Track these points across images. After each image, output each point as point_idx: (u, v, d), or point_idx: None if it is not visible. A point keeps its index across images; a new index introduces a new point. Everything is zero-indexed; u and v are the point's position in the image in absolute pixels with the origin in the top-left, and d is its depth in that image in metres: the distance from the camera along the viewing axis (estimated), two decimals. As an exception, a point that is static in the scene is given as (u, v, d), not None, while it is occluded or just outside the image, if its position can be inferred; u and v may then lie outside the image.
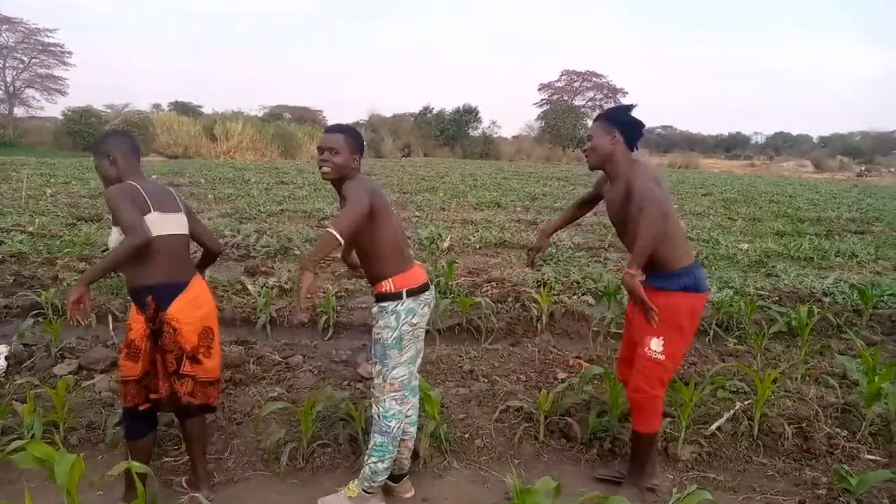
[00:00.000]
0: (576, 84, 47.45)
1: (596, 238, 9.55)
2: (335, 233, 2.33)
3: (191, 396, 2.66)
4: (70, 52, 38.15)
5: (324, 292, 5.52)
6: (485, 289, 6.13)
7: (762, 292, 6.28)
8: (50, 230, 8.57)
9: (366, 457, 2.72)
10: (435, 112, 41.56)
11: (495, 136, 43.13)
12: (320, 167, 2.63)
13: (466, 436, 3.40)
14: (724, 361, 4.54)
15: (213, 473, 3.01)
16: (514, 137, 46.22)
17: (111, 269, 2.56)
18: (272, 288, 5.81)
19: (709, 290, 2.94)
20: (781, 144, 62.82)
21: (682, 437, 3.28)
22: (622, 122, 2.80)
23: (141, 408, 2.63)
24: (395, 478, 2.86)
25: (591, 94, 47.61)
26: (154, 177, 16.87)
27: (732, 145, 64.51)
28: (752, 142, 67.73)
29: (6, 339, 4.43)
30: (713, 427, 3.41)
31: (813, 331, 5.06)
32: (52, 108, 47.14)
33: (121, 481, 2.71)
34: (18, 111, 37.14)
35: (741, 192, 19.50)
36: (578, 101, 46.97)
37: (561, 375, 4.19)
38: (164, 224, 2.60)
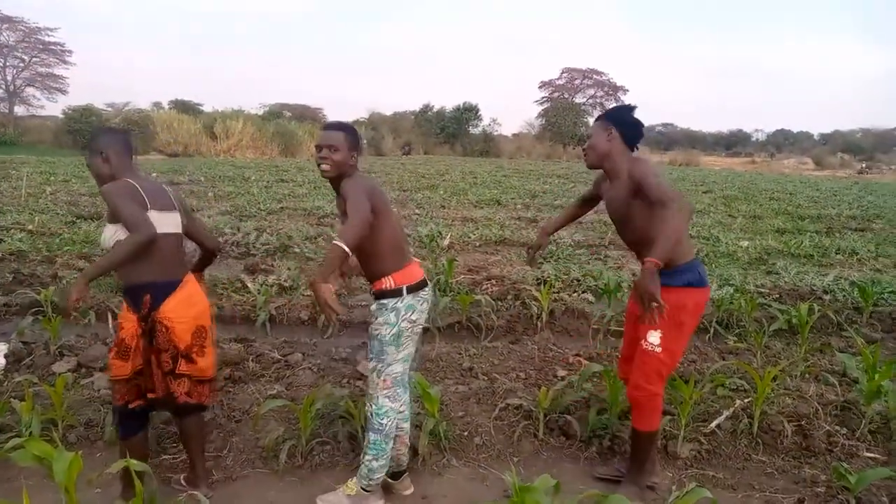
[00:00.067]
0: (576, 82, 47.41)
1: (596, 235, 9.55)
2: (343, 245, 2.31)
3: (188, 396, 2.66)
4: (70, 51, 38.19)
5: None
6: (485, 286, 6.13)
7: (762, 290, 6.27)
8: (49, 228, 8.57)
9: (362, 455, 2.72)
10: (435, 110, 41.54)
11: (496, 133, 43.13)
12: (319, 165, 2.62)
13: (466, 433, 3.39)
14: (724, 359, 4.53)
15: (212, 471, 3.00)
16: (514, 135, 46.21)
17: (114, 266, 2.52)
18: (272, 286, 5.81)
19: (709, 286, 2.91)
20: (782, 142, 62.76)
21: (681, 435, 3.27)
22: (621, 121, 2.79)
23: (131, 406, 2.61)
24: (394, 475, 2.85)
25: (591, 91, 47.56)
26: (154, 175, 16.87)
27: (733, 143, 64.47)
28: (753, 139, 67.68)
29: (5, 336, 4.43)
30: (713, 425, 3.41)
31: (813, 328, 5.06)
32: (53, 107, 47.18)
33: (119, 479, 2.70)
34: (19, 110, 37.20)
35: (742, 189, 19.48)
36: (579, 99, 46.91)
37: (560, 373, 4.19)
38: (161, 223, 2.58)
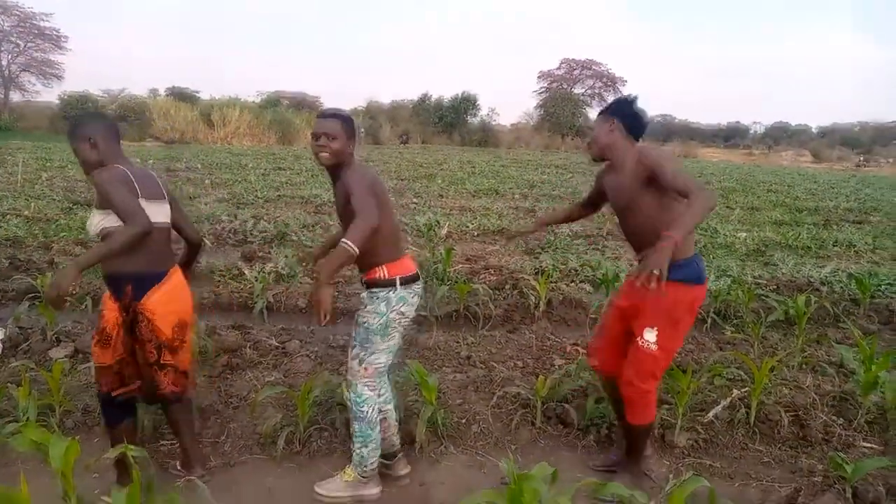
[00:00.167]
0: (575, 72, 47.20)
1: (594, 226, 9.54)
2: (353, 249, 2.29)
3: (173, 386, 2.65)
4: (66, 37, 37.82)
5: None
6: (482, 276, 6.13)
7: (760, 281, 6.28)
8: (46, 214, 8.54)
9: (352, 444, 2.72)
10: (433, 100, 41.38)
11: (494, 124, 42.99)
12: (317, 153, 2.58)
13: (463, 421, 3.40)
14: (721, 350, 4.54)
15: (210, 457, 3.00)
16: (512, 126, 46.06)
17: (109, 256, 2.45)
18: (269, 273, 5.80)
19: (707, 280, 2.89)
20: (780, 135, 62.71)
21: (678, 425, 3.28)
22: (622, 112, 2.76)
23: (114, 394, 2.59)
24: (387, 456, 2.86)
25: (590, 82, 47.37)
26: (151, 161, 16.81)
27: (731, 135, 64.41)
28: (751, 132, 67.61)
29: (2, 322, 4.41)
30: (710, 414, 3.41)
31: (810, 320, 5.07)
32: (49, 93, 46.89)
33: (114, 465, 2.69)
34: (14, 96, 36.87)
35: (739, 181, 19.48)
36: (578, 90, 46.74)
37: (558, 362, 4.19)
38: (151, 213, 2.51)
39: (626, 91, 45.45)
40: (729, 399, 3.52)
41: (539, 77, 47.23)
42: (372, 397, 2.67)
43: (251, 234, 7.88)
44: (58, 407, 3.19)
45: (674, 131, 59.29)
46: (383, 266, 2.60)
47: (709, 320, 5.14)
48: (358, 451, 2.69)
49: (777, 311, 5.09)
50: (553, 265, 6.49)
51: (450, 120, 39.96)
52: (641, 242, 2.71)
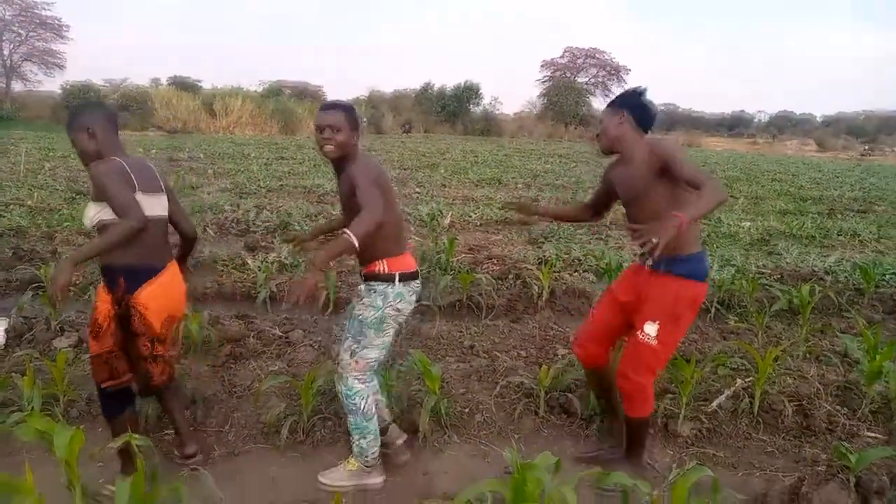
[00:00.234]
0: (579, 61, 46.96)
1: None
2: (354, 240, 2.25)
3: (164, 375, 2.65)
4: (68, 27, 37.72)
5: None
6: (485, 265, 6.12)
7: (764, 270, 6.26)
8: (49, 204, 8.54)
9: (350, 437, 2.73)
10: (436, 89, 41.22)
11: (497, 113, 42.85)
12: (321, 146, 2.56)
13: (467, 411, 3.40)
14: (725, 339, 4.54)
15: (213, 446, 3.01)
16: (515, 115, 45.90)
17: (103, 252, 2.43)
18: (272, 263, 5.79)
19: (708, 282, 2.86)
20: (785, 124, 62.41)
21: (682, 414, 3.28)
22: (631, 104, 2.73)
23: (104, 385, 2.58)
24: (382, 431, 2.86)
25: (593, 71, 47.13)
26: (153, 151, 16.80)
27: (735, 124, 64.13)
28: (756, 121, 67.31)
29: (6, 312, 4.42)
30: (714, 404, 3.41)
31: (814, 309, 5.05)
32: (51, 83, 46.80)
33: (117, 455, 2.70)
34: (16, 85, 36.83)
35: (744, 170, 19.41)
36: (581, 79, 46.52)
37: (561, 352, 4.19)
38: (148, 205, 2.51)
39: (629, 80, 45.32)
40: (732, 389, 3.52)
41: (542, 66, 47.05)
42: (363, 390, 2.66)
43: (254, 223, 7.87)
44: (62, 396, 3.20)
45: (677, 120, 59.01)
46: (384, 260, 2.58)
47: (712, 310, 5.13)
48: (357, 442, 2.69)
49: (781, 301, 5.08)
50: (556, 255, 6.48)
51: (452, 109, 39.84)
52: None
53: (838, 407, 3.49)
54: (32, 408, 2.98)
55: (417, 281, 2.70)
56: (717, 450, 3.15)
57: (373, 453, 2.72)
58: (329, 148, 2.53)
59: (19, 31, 36.62)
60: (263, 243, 6.87)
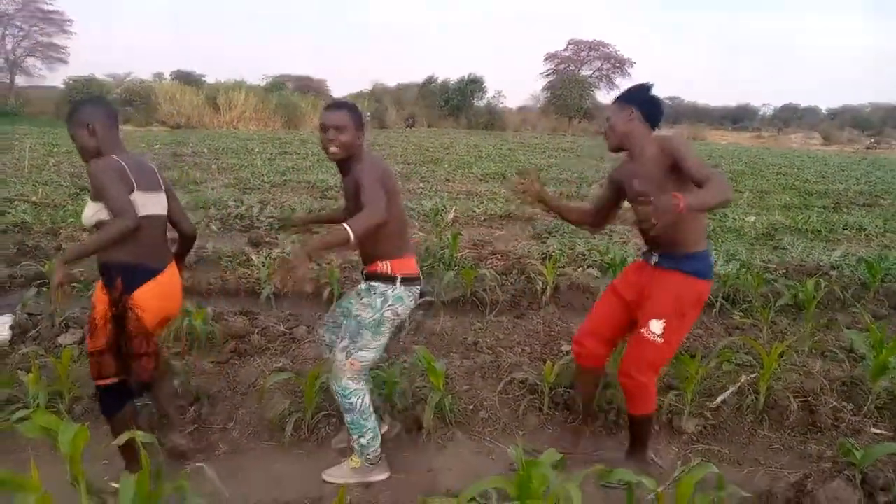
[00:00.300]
0: (582, 54, 46.78)
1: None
2: (351, 234, 2.23)
3: (152, 371, 2.65)
4: (71, 20, 37.75)
5: (327, 263, 5.49)
6: (489, 261, 6.11)
7: (769, 265, 6.24)
8: (53, 200, 8.55)
9: (349, 435, 2.73)
10: (439, 82, 41.14)
11: (500, 106, 42.75)
12: (326, 147, 2.55)
13: (471, 407, 3.40)
14: (730, 335, 4.52)
15: (218, 443, 3.02)
16: (519, 109, 45.81)
17: (97, 251, 2.41)
18: (276, 259, 5.79)
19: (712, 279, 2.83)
20: (790, 116, 62.11)
21: (687, 410, 3.27)
22: (639, 100, 2.68)
23: (96, 382, 2.57)
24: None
25: (598, 63, 46.95)
26: (157, 146, 16.81)
27: (740, 117, 63.86)
28: (761, 114, 67.01)
29: (10, 308, 4.43)
30: (718, 400, 3.40)
31: (820, 304, 5.03)
32: (54, 77, 46.84)
33: (120, 453, 2.69)
34: (20, 80, 36.90)
35: (748, 164, 19.33)
36: (585, 72, 46.35)
37: (565, 348, 4.18)
38: (145, 204, 2.49)
39: (634, 72, 45.10)
40: (737, 384, 3.51)
41: (546, 59, 46.88)
42: (358, 389, 2.65)
43: (258, 219, 7.87)
44: (67, 393, 3.21)
45: (682, 113, 58.77)
46: (387, 261, 2.57)
47: (717, 305, 5.12)
48: (357, 441, 2.69)
49: (786, 296, 5.06)
50: (560, 250, 6.46)
51: (456, 103, 39.76)
52: (657, 237, 2.65)
53: (844, 403, 3.47)
54: (38, 405, 3.00)
55: (418, 286, 2.68)
56: (721, 446, 3.14)
57: (374, 450, 2.72)
58: (334, 149, 2.52)
59: (22, 25, 36.66)
60: (267, 239, 6.87)
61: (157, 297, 2.56)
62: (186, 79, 37.80)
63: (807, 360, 3.99)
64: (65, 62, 37.91)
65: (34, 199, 8.47)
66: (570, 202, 3.10)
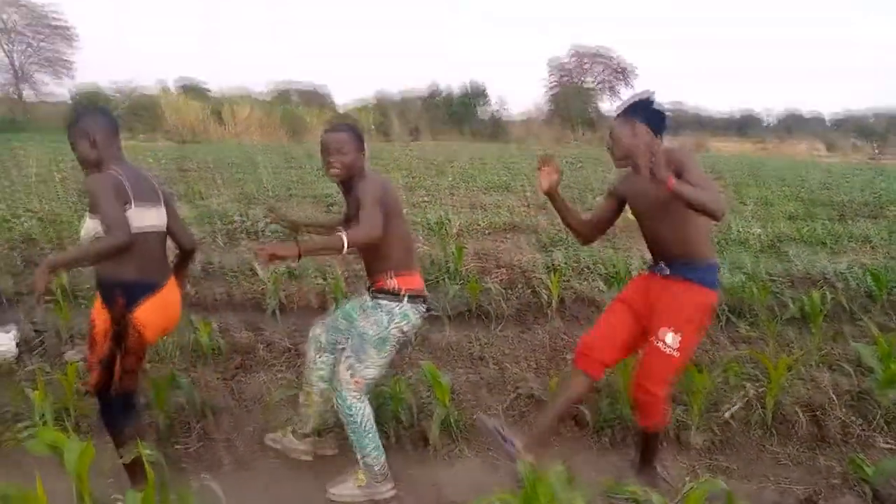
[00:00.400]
0: (585, 62, 46.90)
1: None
2: (345, 243, 2.26)
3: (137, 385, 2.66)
4: (77, 34, 38.12)
5: (332, 277, 5.49)
6: (494, 274, 6.10)
7: (775, 277, 6.21)
8: (59, 214, 8.59)
9: (353, 452, 2.72)
10: (443, 95, 41.36)
11: (504, 119, 42.91)
12: (328, 169, 2.57)
13: (477, 422, 3.38)
14: (736, 347, 4.50)
15: (223, 458, 3.01)
16: (522, 121, 45.91)
17: (84, 262, 2.42)
18: (282, 273, 5.80)
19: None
20: (793, 123, 62.02)
21: (694, 424, 3.25)
22: (642, 111, 2.69)
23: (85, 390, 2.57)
24: (318, 432, 2.89)
25: (600, 69, 47.03)
26: (163, 161, 16.88)
27: (743, 124, 63.81)
28: (764, 124, 66.98)
29: (17, 324, 4.44)
30: (726, 414, 3.38)
31: (826, 316, 5.01)
32: (60, 90, 47.16)
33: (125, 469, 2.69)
34: (27, 93, 37.22)
35: (752, 174, 19.30)
36: (588, 81, 46.48)
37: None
38: (143, 218, 2.48)
39: (637, 82, 45.20)
40: (745, 398, 3.49)
41: (549, 67, 47.03)
42: (361, 406, 2.65)
43: (263, 233, 7.89)
44: (73, 409, 3.21)
45: (685, 123, 58.76)
46: (394, 277, 2.58)
47: (723, 317, 5.09)
48: (360, 458, 2.69)
49: (792, 308, 5.04)
50: (565, 262, 6.45)
51: (460, 115, 39.93)
52: (666, 248, 2.64)
53: (853, 416, 3.45)
54: (44, 421, 3.00)
55: (425, 304, 2.68)
56: (729, 461, 3.12)
57: (378, 467, 2.71)
58: (335, 171, 2.54)
59: (30, 39, 37.03)
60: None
61: (157, 311, 2.55)
62: (191, 89, 38.00)
63: (814, 373, 3.96)
64: (71, 77, 38.27)
65: (40, 213, 8.51)
66: (573, 209, 3.06)
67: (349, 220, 2.64)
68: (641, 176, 2.68)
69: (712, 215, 2.40)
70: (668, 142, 2.75)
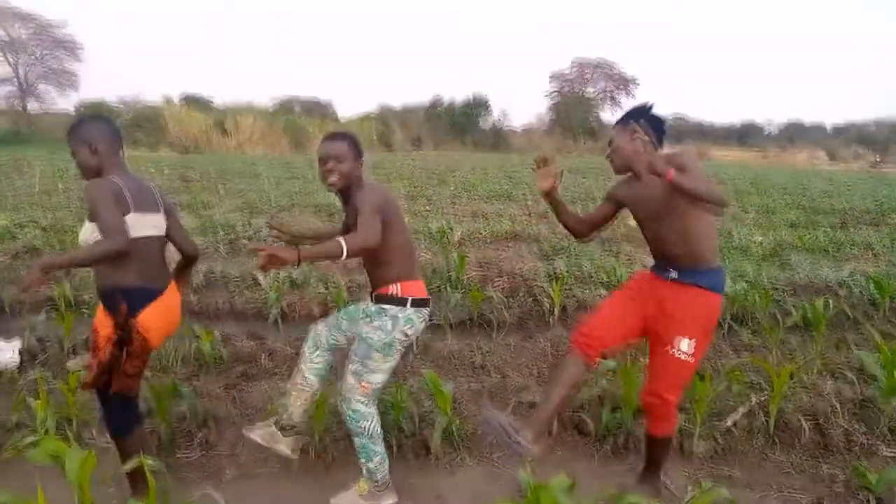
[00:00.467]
0: (587, 74, 47.09)
1: (608, 230, 9.49)
2: (344, 250, 2.27)
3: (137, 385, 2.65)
4: (82, 46, 38.37)
5: (334, 285, 5.50)
6: (496, 282, 6.10)
7: (777, 284, 6.21)
8: (63, 225, 8.62)
9: (358, 458, 2.72)
10: (445, 105, 41.51)
11: (505, 129, 43.04)
12: (325, 178, 2.58)
13: (479, 431, 3.37)
14: (738, 355, 4.49)
15: (226, 468, 3.01)
16: (524, 130, 46.05)
17: (79, 265, 2.44)
18: (283, 282, 5.81)
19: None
20: (795, 132, 62.07)
21: (697, 432, 3.24)
22: (640, 119, 2.70)
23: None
24: (283, 427, 2.83)
25: (602, 83, 47.21)
26: (165, 171, 16.94)
27: (745, 134, 63.87)
28: (766, 133, 67.04)
29: (20, 333, 4.45)
30: (729, 422, 3.37)
31: (829, 323, 5.00)
32: (65, 103, 47.47)
33: (126, 477, 2.69)
34: (32, 106, 37.44)
35: (754, 183, 19.30)
36: (590, 92, 46.64)
37: (574, 370, 4.15)
38: (142, 226, 2.50)
39: (639, 92, 45.35)
40: (748, 406, 3.48)
41: (550, 79, 47.22)
42: (369, 412, 2.65)
43: (265, 242, 7.90)
44: (75, 418, 3.21)
45: (687, 132, 58.85)
46: (397, 283, 2.59)
47: (726, 325, 5.09)
48: (365, 465, 2.68)
49: (795, 315, 5.03)
50: (567, 270, 6.45)
51: (462, 125, 40.06)
52: (671, 252, 2.62)
53: (856, 424, 3.43)
54: (46, 430, 3.00)
55: (428, 308, 2.69)
56: (732, 469, 3.11)
57: (382, 475, 2.70)
58: (332, 179, 2.55)
59: (34, 51, 37.28)
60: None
61: (160, 315, 2.57)
62: (195, 102, 38.21)
63: (817, 381, 3.95)
64: (76, 88, 38.51)
65: (44, 223, 8.55)
66: (570, 209, 3.05)
67: (348, 230, 2.65)
68: (643, 181, 2.68)
69: (715, 204, 2.39)
70: (669, 149, 2.76)
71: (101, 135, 2.53)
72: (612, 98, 46.39)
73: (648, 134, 2.68)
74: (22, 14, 35.71)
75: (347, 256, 2.29)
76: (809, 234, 9.64)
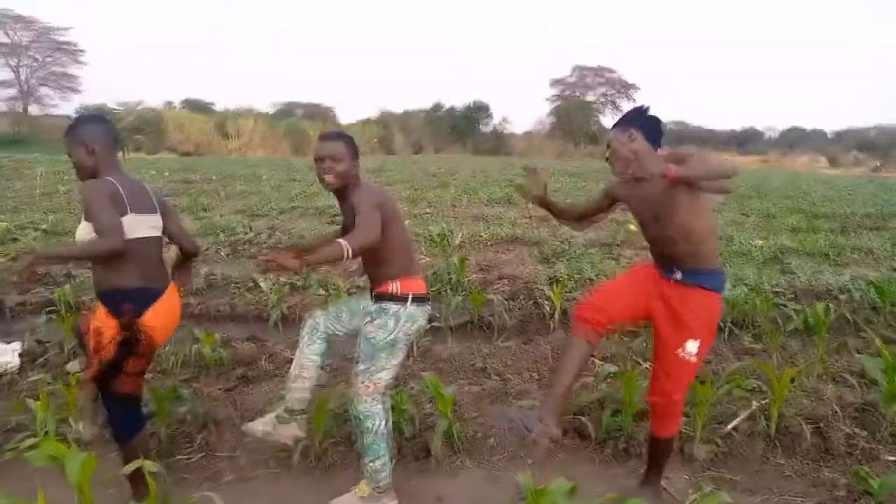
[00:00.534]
0: (587, 79, 47.19)
1: (608, 234, 9.49)
2: (346, 250, 2.27)
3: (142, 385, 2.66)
4: (83, 51, 38.50)
5: (334, 288, 5.50)
6: (496, 285, 6.10)
7: (778, 289, 6.20)
8: (63, 227, 8.63)
9: (362, 458, 2.71)
10: (446, 109, 41.57)
11: (506, 132, 43.11)
12: (321, 177, 2.58)
13: (479, 434, 3.37)
14: (739, 359, 4.48)
15: (225, 471, 3.01)
16: (525, 133, 46.13)
17: (74, 260, 2.47)
18: (284, 285, 5.81)
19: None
20: (795, 139, 62.11)
21: (698, 437, 3.23)
22: (638, 120, 2.69)
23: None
24: (283, 416, 2.80)
25: (603, 89, 47.32)
26: (167, 174, 16.97)
27: (746, 140, 63.92)
28: (766, 137, 67.08)
29: (20, 335, 4.45)
30: (730, 426, 3.36)
31: (830, 328, 4.99)
32: (66, 106, 47.54)
33: (127, 479, 2.68)
34: (33, 109, 37.52)
35: (754, 187, 19.31)
36: (590, 97, 46.74)
37: (574, 373, 4.15)
38: (139, 226, 2.50)
39: (639, 97, 45.44)
40: (749, 410, 3.47)
41: (551, 84, 47.33)
42: (377, 412, 2.65)
43: (266, 245, 7.91)
44: (75, 420, 3.20)
45: (687, 138, 58.84)
46: (396, 281, 2.59)
47: (727, 330, 5.08)
48: (369, 464, 2.67)
49: (796, 320, 5.03)
50: (568, 274, 6.45)
51: (462, 129, 40.12)
52: (674, 251, 2.60)
53: (857, 429, 3.42)
54: (46, 432, 2.99)
55: (429, 304, 2.70)
56: (733, 473, 3.10)
57: (384, 476, 2.69)
58: (329, 178, 2.55)
59: (36, 55, 37.39)
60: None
61: (164, 314, 2.57)
62: (196, 106, 38.29)
63: (818, 386, 3.95)
64: (77, 91, 38.61)
65: (44, 226, 8.56)
66: (565, 204, 3.06)
67: (346, 231, 2.65)
68: (643, 182, 2.68)
69: (722, 178, 2.36)
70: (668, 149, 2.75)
71: (98, 135, 2.53)
72: (613, 103, 46.51)
73: (646, 135, 2.68)
74: (22, 18, 35.82)
75: (350, 257, 2.29)
76: (810, 238, 9.63)
